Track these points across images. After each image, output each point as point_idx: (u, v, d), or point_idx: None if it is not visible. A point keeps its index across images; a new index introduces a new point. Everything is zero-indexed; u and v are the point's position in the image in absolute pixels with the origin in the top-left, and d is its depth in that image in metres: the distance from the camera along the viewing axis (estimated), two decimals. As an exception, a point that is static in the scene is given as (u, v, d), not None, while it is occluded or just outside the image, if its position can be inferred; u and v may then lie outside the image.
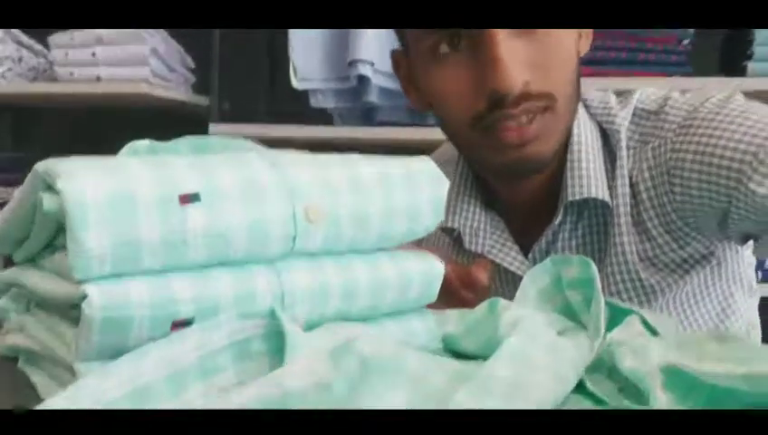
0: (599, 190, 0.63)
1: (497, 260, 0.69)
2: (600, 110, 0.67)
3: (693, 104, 0.62)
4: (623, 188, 0.64)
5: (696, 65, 1.39)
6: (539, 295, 0.54)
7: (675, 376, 0.34)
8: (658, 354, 0.42)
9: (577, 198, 0.64)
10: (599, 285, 0.51)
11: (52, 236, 0.35)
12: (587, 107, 0.68)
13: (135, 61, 1.59)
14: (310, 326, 0.39)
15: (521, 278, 0.65)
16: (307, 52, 1.49)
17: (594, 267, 0.52)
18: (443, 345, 0.47)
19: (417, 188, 0.43)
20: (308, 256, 0.39)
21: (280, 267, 0.37)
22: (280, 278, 0.37)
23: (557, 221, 0.65)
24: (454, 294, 0.59)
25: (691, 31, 1.34)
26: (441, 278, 0.46)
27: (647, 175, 0.63)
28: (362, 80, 1.49)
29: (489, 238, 0.70)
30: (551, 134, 0.60)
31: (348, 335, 0.38)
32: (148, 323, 0.32)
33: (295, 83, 1.51)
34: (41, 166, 0.32)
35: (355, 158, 0.42)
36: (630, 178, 0.64)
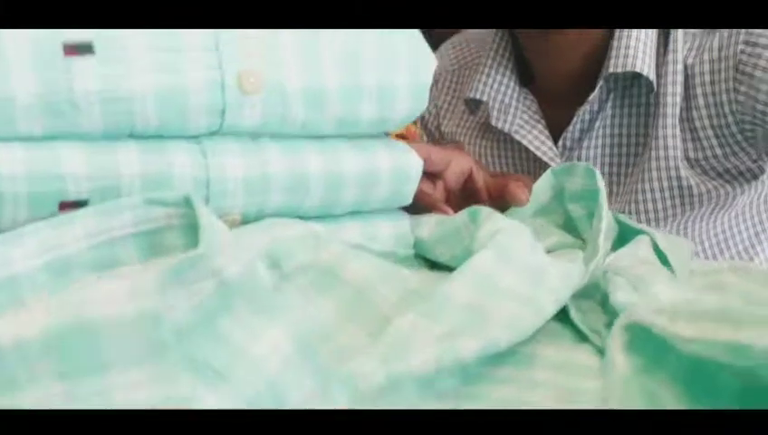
0: (644, 66, 0.57)
1: (524, 142, 0.64)
2: None
3: None
4: (674, 76, 0.57)
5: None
6: (539, 211, 0.48)
7: (642, 337, 0.27)
8: (660, 290, 0.36)
9: (619, 69, 0.57)
10: (604, 196, 0.44)
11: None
12: None
13: None
14: (247, 222, 0.33)
15: (546, 166, 0.60)
16: None
17: (600, 177, 0.45)
18: (414, 252, 0.41)
19: (394, 68, 0.36)
20: (248, 136, 0.32)
21: (207, 147, 0.30)
22: (206, 160, 0.30)
23: (592, 97, 0.59)
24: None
25: None
26: (418, 177, 0.39)
27: (707, 67, 0.56)
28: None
29: (519, 117, 0.65)
30: None
31: (285, 235, 0.32)
32: (26, 201, 0.26)
33: None
34: None
35: (324, 31, 0.34)
36: (686, 67, 0.57)
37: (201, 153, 0.30)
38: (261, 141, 0.33)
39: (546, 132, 0.64)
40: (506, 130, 0.65)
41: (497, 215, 0.38)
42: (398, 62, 0.36)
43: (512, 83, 0.65)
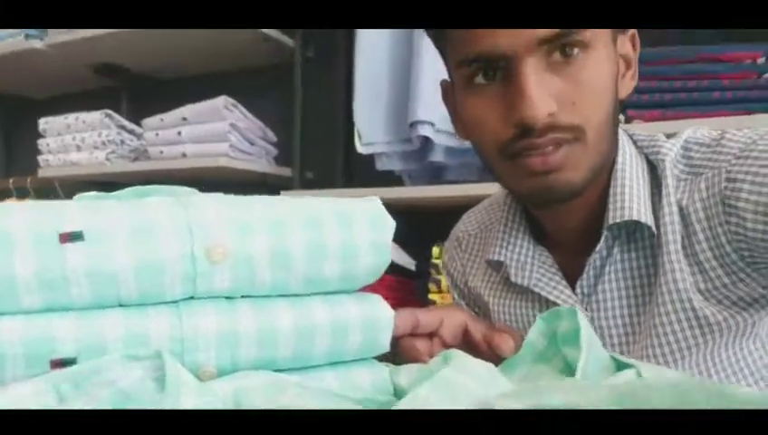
0: (641, 214, 0.62)
1: (543, 293, 0.68)
2: (646, 142, 0.67)
3: (751, 137, 0.60)
4: (670, 217, 0.62)
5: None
6: (536, 358, 0.49)
7: None
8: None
9: (618, 220, 0.62)
10: (584, 335, 0.45)
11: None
12: (634, 142, 0.68)
13: (216, 137, 1.69)
14: (224, 373, 0.37)
15: None
16: (370, 116, 1.52)
17: (581, 316, 0.47)
18: (395, 397, 0.43)
19: (355, 228, 0.41)
20: (224, 298, 0.38)
21: (183, 310, 0.36)
22: (181, 321, 0.35)
23: (599, 247, 0.64)
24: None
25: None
26: (391, 326, 0.43)
27: (698, 206, 0.61)
28: (427, 140, 1.49)
29: (536, 272, 0.69)
30: (579, 164, 0.59)
31: (247, 384, 0.36)
32: (23, 361, 0.32)
33: (360, 148, 1.54)
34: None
35: (286, 198, 0.41)
36: (681, 208, 0.62)
37: (177, 316, 0.35)
38: (235, 301, 0.38)
39: (564, 282, 0.68)
40: (525, 284, 0.69)
41: (466, 357, 0.41)
42: (358, 222, 0.41)
43: (525, 243, 0.71)
